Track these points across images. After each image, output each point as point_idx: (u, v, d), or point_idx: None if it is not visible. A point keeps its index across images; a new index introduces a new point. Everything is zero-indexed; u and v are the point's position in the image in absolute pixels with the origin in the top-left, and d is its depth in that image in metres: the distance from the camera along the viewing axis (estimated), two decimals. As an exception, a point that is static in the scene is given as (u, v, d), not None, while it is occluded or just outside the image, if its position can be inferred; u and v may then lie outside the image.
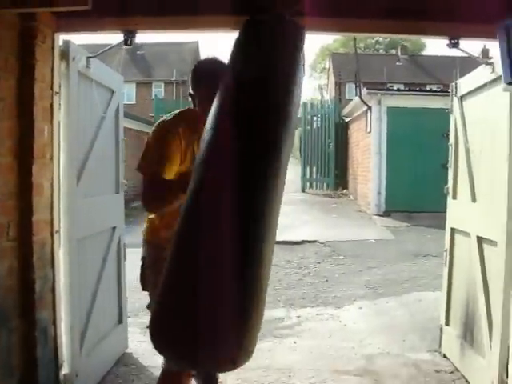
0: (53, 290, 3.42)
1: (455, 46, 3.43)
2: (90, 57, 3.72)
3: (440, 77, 32.46)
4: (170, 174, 2.64)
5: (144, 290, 2.87)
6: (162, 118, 2.82)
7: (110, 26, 3.45)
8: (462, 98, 4.33)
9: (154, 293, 2.70)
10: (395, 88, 22.23)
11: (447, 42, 3.43)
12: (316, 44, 52.95)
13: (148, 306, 2.80)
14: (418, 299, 6.27)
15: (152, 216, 2.81)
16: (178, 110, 2.85)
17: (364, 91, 13.87)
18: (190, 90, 2.78)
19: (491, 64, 3.66)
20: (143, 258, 2.86)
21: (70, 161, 3.51)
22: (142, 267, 2.86)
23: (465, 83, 4.29)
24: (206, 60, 2.85)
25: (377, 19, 3.38)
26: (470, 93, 4.18)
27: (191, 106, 2.83)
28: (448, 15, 3.25)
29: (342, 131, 18.52)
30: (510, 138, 3.38)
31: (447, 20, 3.30)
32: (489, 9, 3.12)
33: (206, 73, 2.70)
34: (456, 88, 4.43)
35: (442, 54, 30.30)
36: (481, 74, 3.89)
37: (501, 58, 3.06)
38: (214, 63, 2.75)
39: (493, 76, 3.63)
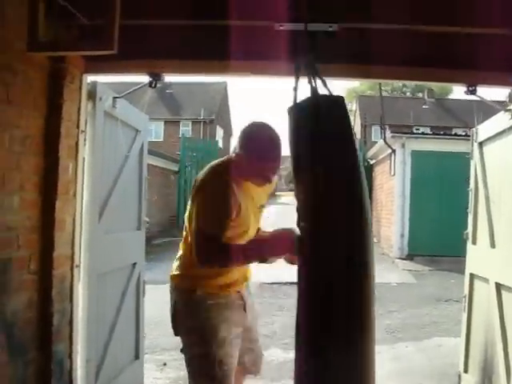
0: (70, 323, 3.46)
1: (473, 92, 3.49)
2: (117, 97, 3.84)
3: (467, 120, 32.33)
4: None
5: (176, 335, 2.81)
6: (212, 171, 2.70)
7: (135, 69, 3.58)
8: (481, 144, 4.34)
9: (187, 338, 2.74)
10: (421, 131, 22.27)
11: (465, 89, 3.50)
12: (342, 86, 53.29)
13: (181, 350, 2.78)
14: (439, 345, 6.18)
15: (183, 263, 2.78)
16: (226, 161, 2.76)
17: (388, 134, 13.94)
18: (237, 150, 2.68)
19: (510, 110, 3.69)
20: (175, 303, 2.79)
21: (92, 197, 3.59)
22: (174, 311, 2.80)
23: (484, 129, 4.30)
24: (259, 131, 2.69)
25: (397, 66, 3.47)
26: (489, 139, 4.19)
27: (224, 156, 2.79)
28: (465, 63, 3.32)
29: (366, 174, 18.46)
30: (528, 185, 3.39)
31: (465, 68, 3.36)
32: (505, 57, 3.18)
33: (257, 149, 2.62)
34: (476, 134, 4.45)
35: (469, 98, 30.29)
36: (500, 120, 3.91)
37: (517, 106, 3.10)
38: (267, 140, 2.63)
39: (511, 122, 3.65)
